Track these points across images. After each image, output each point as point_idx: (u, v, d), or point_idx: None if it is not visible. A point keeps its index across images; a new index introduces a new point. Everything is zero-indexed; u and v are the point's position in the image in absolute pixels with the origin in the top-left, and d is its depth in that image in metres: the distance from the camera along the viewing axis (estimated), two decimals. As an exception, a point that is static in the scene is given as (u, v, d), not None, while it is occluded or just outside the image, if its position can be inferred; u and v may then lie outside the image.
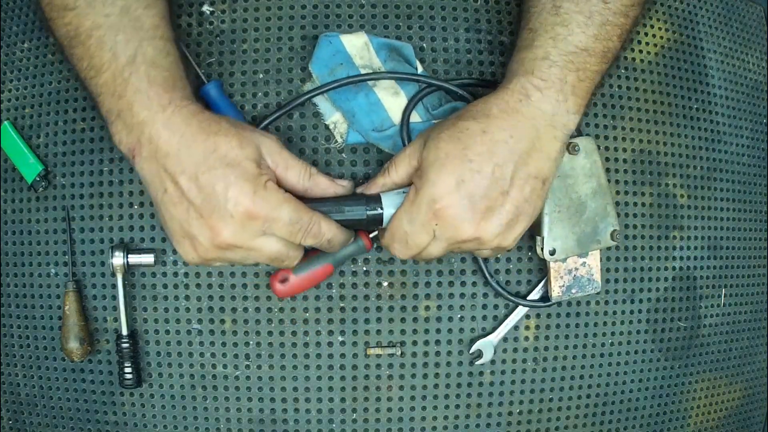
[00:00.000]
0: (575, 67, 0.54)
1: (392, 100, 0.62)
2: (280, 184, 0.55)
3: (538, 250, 0.61)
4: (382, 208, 0.56)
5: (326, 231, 0.55)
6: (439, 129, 0.54)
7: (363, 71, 0.62)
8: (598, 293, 0.66)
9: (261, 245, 0.53)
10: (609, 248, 0.67)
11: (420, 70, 0.64)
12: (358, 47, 0.63)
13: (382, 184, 0.58)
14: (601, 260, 0.65)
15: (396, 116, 0.63)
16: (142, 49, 0.52)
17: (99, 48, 0.53)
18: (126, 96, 0.52)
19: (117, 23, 0.52)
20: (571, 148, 0.60)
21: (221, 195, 0.50)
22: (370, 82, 0.62)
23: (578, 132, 0.64)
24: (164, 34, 0.55)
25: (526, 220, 0.54)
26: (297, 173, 0.55)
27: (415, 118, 0.63)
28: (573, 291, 0.64)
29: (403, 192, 0.57)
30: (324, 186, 0.57)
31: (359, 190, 0.59)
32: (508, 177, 0.52)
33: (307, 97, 0.62)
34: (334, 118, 0.63)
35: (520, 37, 0.57)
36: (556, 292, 0.64)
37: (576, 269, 0.64)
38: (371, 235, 0.61)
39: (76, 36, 0.54)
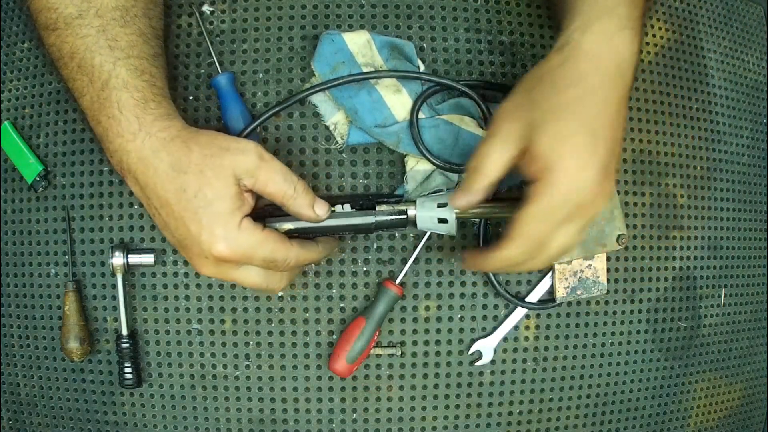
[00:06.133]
0: (636, 3, 0.51)
1: (394, 97, 0.62)
2: (262, 196, 0.53)
3: None
4: (401, 214, 0.57)
5: (305, 259, 0.55)
6: (543, 109, 0.48)
7: (365, 69, 0.62)
8: (605, 295, 0.66)
9: (242, 278, 0.54)
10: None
11: (422, 69, 0.64)
12: (360, 45, 0.63)
13: (478, 189, 0.51)
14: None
15: (398, 113, 0.63)
16: (116, 71, 0.52)
17: (79, 72, 0.53)
18: (102, 122, 0.52)
19: (93, 45, 0.52)
20: None
21: (195, 236, 0.50)
22: (372, 80, 0.62)
23: None
24: (141, 52, 0.54)
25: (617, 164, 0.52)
26: (278, 190, 0.52)
27: (419, 115, 0.63)
28: (578, 292, 0.64)
29: (433, 195, 0.56)
30: (303, 212, 0.54)
31: (455, 199, 0.53)
32: (617, 133, 0.49)
33: (309, 93, 0.62)
34: (334, 119, 0.63)
35: None
36: (560, 293, 0.64)
37: (581, 271, 0.64)
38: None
39: (60, 58, 0.54)
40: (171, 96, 0.56)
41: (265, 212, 0.56)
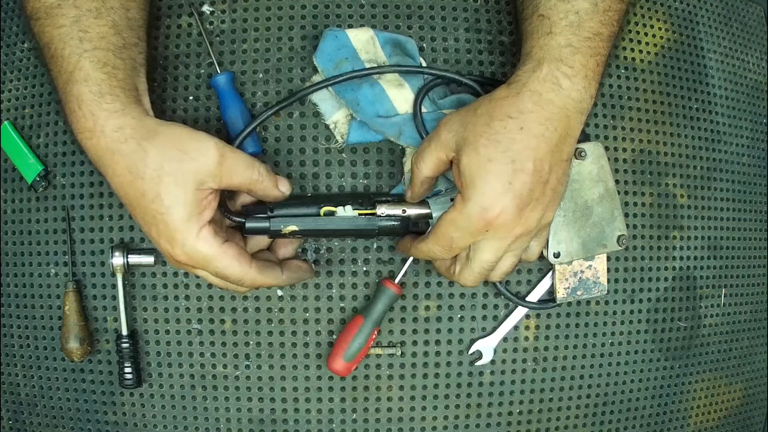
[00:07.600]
0: (593, 52, 0.54)
1: (396, 91, 0.62)
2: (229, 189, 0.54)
3: (543, 252, 0.61)
4: (404, 219, 0.57)
5: (262, 283, 0.55)
6: (474, 131, 0.52)
7: (368, 65, 0.62)
8: (605, 295, 0.66)
9: (203, 276, 0.54)
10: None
11: (424, 65, 0.64)
12: (363, 41, 0.63)
13: (414, 182, 0.56)
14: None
15: (400, 106, 0.63)
16: (80, 63, 0.51)
17: (53, 62, 0.53)
18: (67, 115, 0.53)
19: (66, 35, 0.52)
20: (577, 153, 0.60)
21: (155, 239, 0.51)
22: (374, 75, 0.62)
23: (585, 137, 0.64)
24: (108, 44, 0.53)
25: (559, 197, 0.56)
26: (244, 179, 0.52)
27: (422, 108, 0.63)
28: (578, 293, 0.64)
29: (441, 195, 0.57)
30: (269, 194, 0.55)
31: (406, 194, 0.58)
32: (547, 168, 0.52)
33: (312, 89, 0.62)
34: (334, 117, 0.63)
35: (529, 22, 0.56)
36: (561, 294, 0.64)
37: (582, 272, 0.64)
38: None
39: (42, 48, 0.54)
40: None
41: (248, 210, 0.56)
